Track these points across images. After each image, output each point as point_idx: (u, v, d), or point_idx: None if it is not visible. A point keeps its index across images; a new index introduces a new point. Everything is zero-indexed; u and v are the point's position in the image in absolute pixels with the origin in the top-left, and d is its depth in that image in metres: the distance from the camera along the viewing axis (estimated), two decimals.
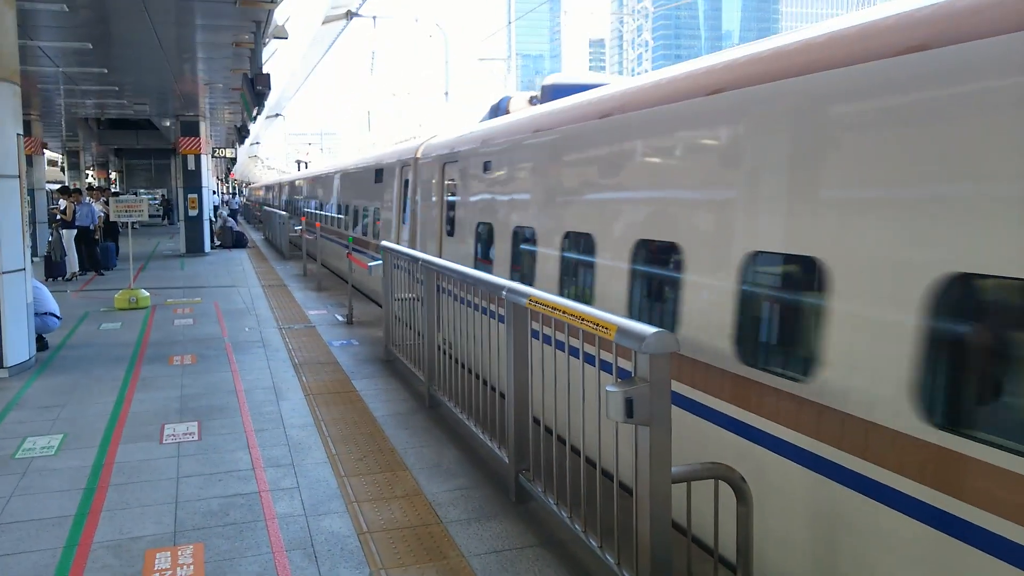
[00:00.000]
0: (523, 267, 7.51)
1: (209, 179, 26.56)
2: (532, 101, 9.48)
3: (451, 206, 9.97)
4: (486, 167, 8.66)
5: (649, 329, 3.24)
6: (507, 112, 9.50)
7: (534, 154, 7.51)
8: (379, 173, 14.10)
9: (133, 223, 14.83)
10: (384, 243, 8.95)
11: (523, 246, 7.54)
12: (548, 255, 6.88)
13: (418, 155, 11.58)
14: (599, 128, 6.14)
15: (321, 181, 23.20)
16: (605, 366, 3.80)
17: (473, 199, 9.12)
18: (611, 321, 3.54)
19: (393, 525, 4.68)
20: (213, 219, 26.66)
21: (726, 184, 4.59)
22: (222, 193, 55.13)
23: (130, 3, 9.79)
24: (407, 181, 12.07)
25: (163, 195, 43.45)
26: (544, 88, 8.85)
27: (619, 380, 3.33)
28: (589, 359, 3.91)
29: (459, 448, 6.03)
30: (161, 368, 8.71)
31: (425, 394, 7.18)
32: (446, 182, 10.16)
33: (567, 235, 6.57)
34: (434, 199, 10.61)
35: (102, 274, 17.90)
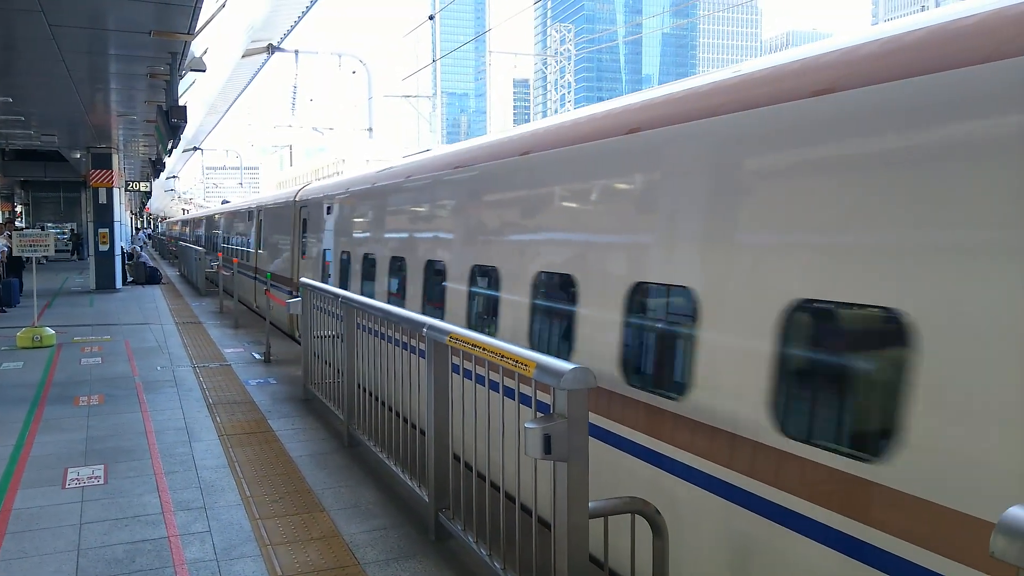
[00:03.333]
0: (353, 278, 10.55)
1: (122, 213, 25.79)
2: None
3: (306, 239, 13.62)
4: (329, 210, 12.10)
5: (567, 366, 3.28)
6: None
7: (368, 202, 10.63)
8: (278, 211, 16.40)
9: (39, 258, 14.25)
10: (303, 280, 8.83)
11: (361, 266, 10.26)
12: (380, 270, 9.41)
13: (296, 198, 14.45)
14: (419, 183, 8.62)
15: (239, 216, 22.84)
16: (525, 399, 3.82)
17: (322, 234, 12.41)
18: (530, 358, 3.57)
19: (309, 568, 4.56)
20: (128, 251, 25.90)
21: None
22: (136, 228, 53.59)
23: (37, 30, 9.49)
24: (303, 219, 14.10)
25: (72, 229, 41.94)
26: None
27: (538, 416, 3.35)
28: (509, 392, 3.93)
29: (378, 488, 5.93)
30: (66, 409, 8.34)
31: (344, 433, 7.06)
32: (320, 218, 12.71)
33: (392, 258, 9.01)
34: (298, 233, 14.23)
35: (4, 311, 17.10)
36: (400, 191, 9.10)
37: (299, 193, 14.43)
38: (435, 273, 7.72)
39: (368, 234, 10.31)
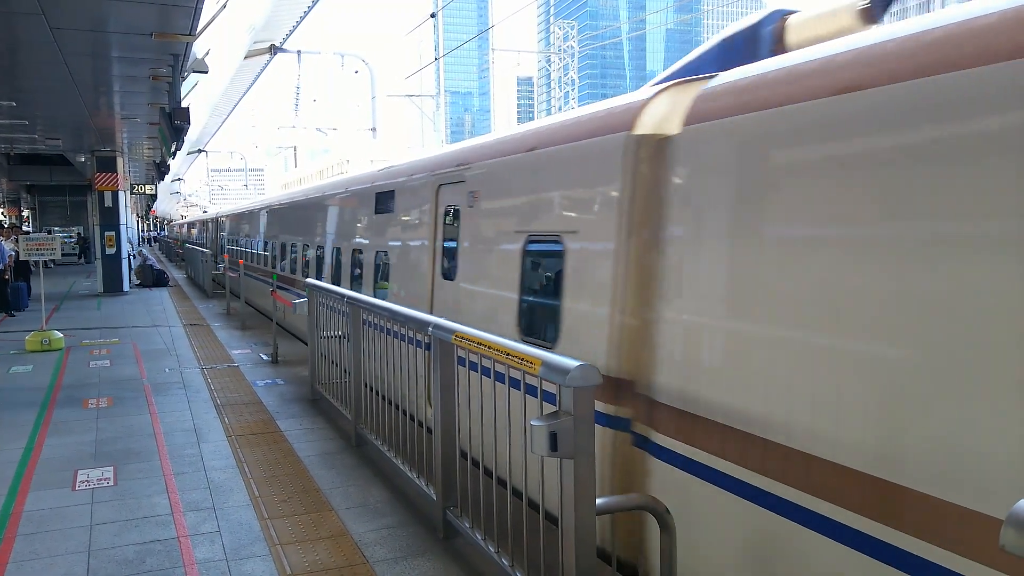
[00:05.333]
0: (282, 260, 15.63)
1: (128, 216, 25.84)
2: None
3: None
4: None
5: (573, 363, 3.27)
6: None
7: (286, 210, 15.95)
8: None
9: (46, 262, 14.29)
10: (309, 280, 8.84)
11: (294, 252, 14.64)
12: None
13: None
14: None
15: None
16: (530, 389, 3.82)
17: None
18: (536, 356, 3.57)
19: (318, 567, 4.57)
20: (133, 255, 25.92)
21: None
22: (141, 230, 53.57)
23: (38, 34, 9.51)
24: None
25: (79, 233, 42.05)
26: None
27: (544, 412, 3.35)
28: (515, 383, 3.93)
29: (386, 487, 5.94)
30: (75, 412, 8.37)
31: (352, 432, 7.07)
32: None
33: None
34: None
35: (13, 315, 17.15)
36: (290, 209, 15.66)
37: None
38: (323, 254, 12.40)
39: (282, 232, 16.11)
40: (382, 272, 9.27)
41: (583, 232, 5.15)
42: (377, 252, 9.42)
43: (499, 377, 4.11)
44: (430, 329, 4.85)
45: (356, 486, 5.97)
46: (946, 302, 2.89)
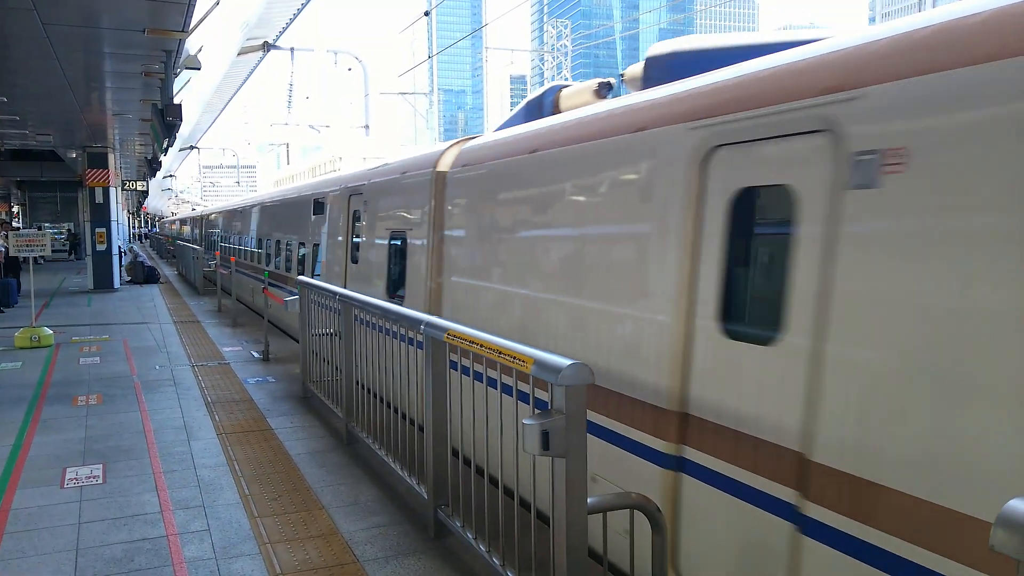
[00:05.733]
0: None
1: (119, 213, 25.72)
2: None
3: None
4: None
5: (565, 362, 3.26)
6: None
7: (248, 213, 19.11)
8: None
9: (36, 258, 14.22)
10: (300, 278, 8.82)
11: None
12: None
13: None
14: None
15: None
16: (521, 390, 3.81)
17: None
18: (528, 354, 3.55)
19: (308, 566, 4.55)
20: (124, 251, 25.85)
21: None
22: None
23: (30, 29, 9.45)
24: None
25: (69, 229, 41.85)
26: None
27: (536, 412, 3.34)
28: (507, 390, 3.91)
29: (377, 485, 5.93)
30: (64, 409, 8.32)
31: (343, 431, 7.05)
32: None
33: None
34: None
35: (2, 312, 17.06)
36: (254, 210, 18.88)
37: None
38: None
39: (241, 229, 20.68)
40: (315, 258, 12.40)
41: (414, 231, 8.09)
42: (315, 245, 12.46)
43: (484, 377, 4.10)
44: (422, 327, 4.84)
45: (347, 484, 5.95)
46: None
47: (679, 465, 4.07)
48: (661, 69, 5.27)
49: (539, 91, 7.32)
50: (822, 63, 3.56)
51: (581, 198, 5.21)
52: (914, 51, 3.12)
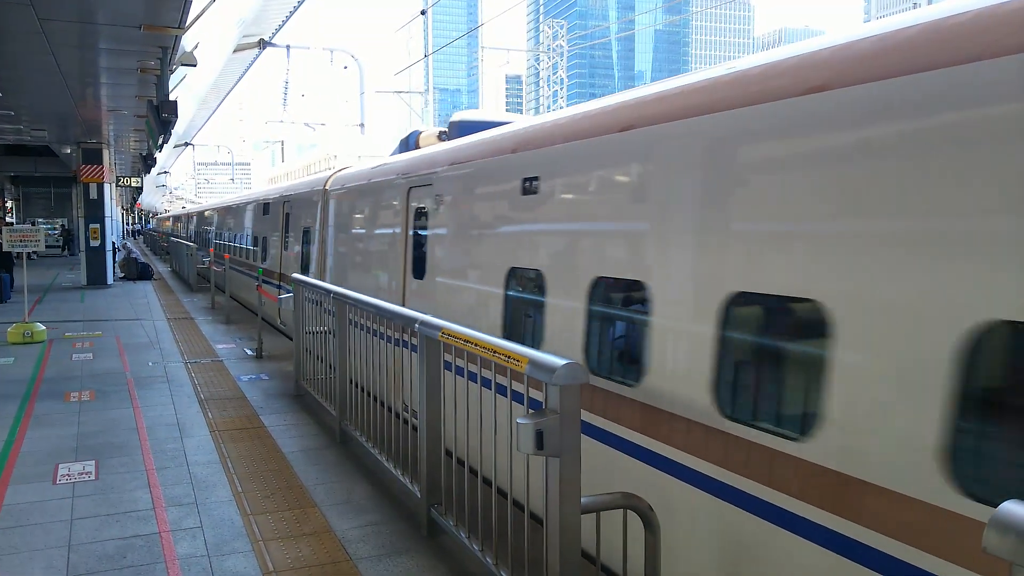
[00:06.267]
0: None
1: (113, 209, 25.66)
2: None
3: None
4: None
5: (559, 361, 3.27)
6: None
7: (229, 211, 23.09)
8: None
9: (30, 253, 14.17)
10: (295, 275, 8.82)
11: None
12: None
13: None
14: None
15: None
16: (515, 389, 3.82)
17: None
18: (522, 354, 3.56)
19: (300, 563, 4.56)
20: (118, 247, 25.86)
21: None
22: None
23: (25, 24, 9.42)
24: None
25: (62, 225, 41.71)
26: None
27: (530, 411, 3.35)
28: (500, 390, 3.92)
29: (371, 483, 5.93)
30: (57, 405, 8.31)
31: (336, 429, 7.05)
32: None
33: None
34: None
35: None
36: (227, 211, 23.56)
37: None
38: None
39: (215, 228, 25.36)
40: (264, 249, 16.49)
41: (311, 230, 12.44)
42: (265, 239, 16.51)
43: (483, 380, 4.10)
44: (416, 326, 4.84)
45: (340, 483, 5.95)
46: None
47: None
48: (453, 131, 9.39)
49: (407, 133, 11.07)
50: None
51: (370, 210, 9.83)
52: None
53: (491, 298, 6.28)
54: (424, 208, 7.89)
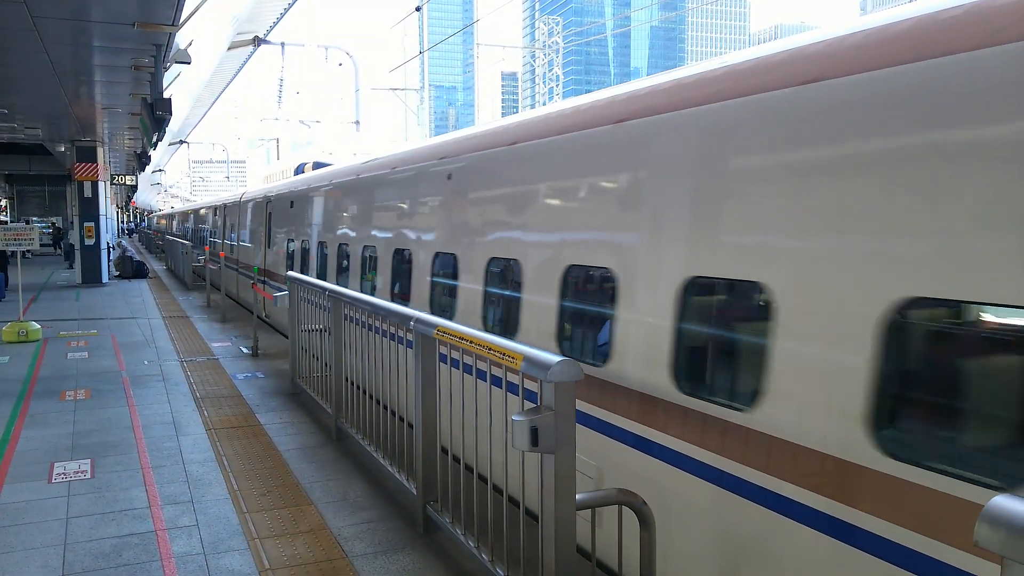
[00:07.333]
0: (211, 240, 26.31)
1: (108, 207, 25.61)
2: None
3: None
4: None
5: (554, 359, 3.28)
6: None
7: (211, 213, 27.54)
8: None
9: (24, 252, 14.15)
10: (290, 273, 8.81)
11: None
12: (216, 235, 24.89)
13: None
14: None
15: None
16: (512, 387, 3.83)
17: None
18: (518, 351, 3.57)
19: (296, 561, 4.56)
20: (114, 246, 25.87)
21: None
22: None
23: (19, 21, 9.39)
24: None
25: (54, 223, 41.61)
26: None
27: (525, 408, 3.35)
28: (496, 381, 3.93)
29: (367, 481, 5.93)
30: (52, 404, 8.30)
31: (332, 427, 7.05)
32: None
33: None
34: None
35: None
36: (216, 210, 25.44)
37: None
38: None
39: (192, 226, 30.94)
40: (241, 245, 18.89)
41: (254, 232, 17.23)
42: (242, 233, 19.20)
43: (478, 372, 4.11)
44: (412, 323, 4.84)
45: (336, 480, 5.95)
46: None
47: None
48: (297, 171, 19.04)
49: (301, 162, 18.63)
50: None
51: (258, 216, 16.42)
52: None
53: (309, 253, 12.04)
54: (274, 214, 14.86)
